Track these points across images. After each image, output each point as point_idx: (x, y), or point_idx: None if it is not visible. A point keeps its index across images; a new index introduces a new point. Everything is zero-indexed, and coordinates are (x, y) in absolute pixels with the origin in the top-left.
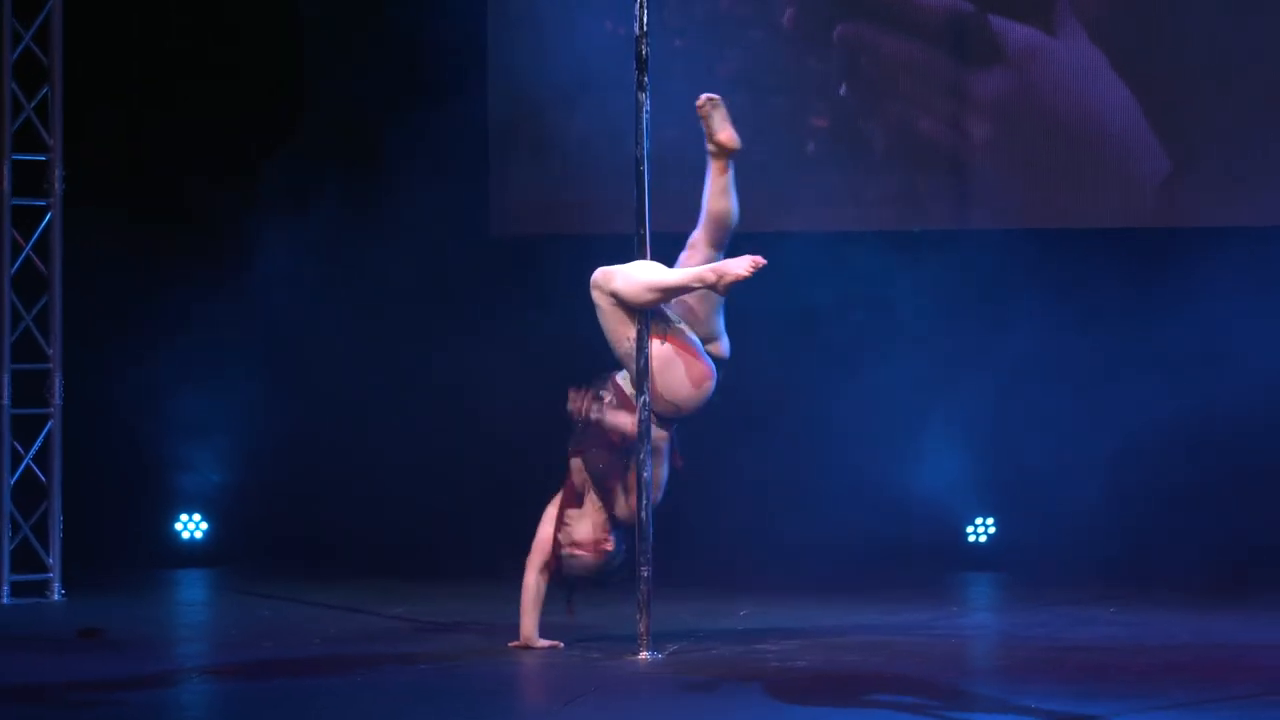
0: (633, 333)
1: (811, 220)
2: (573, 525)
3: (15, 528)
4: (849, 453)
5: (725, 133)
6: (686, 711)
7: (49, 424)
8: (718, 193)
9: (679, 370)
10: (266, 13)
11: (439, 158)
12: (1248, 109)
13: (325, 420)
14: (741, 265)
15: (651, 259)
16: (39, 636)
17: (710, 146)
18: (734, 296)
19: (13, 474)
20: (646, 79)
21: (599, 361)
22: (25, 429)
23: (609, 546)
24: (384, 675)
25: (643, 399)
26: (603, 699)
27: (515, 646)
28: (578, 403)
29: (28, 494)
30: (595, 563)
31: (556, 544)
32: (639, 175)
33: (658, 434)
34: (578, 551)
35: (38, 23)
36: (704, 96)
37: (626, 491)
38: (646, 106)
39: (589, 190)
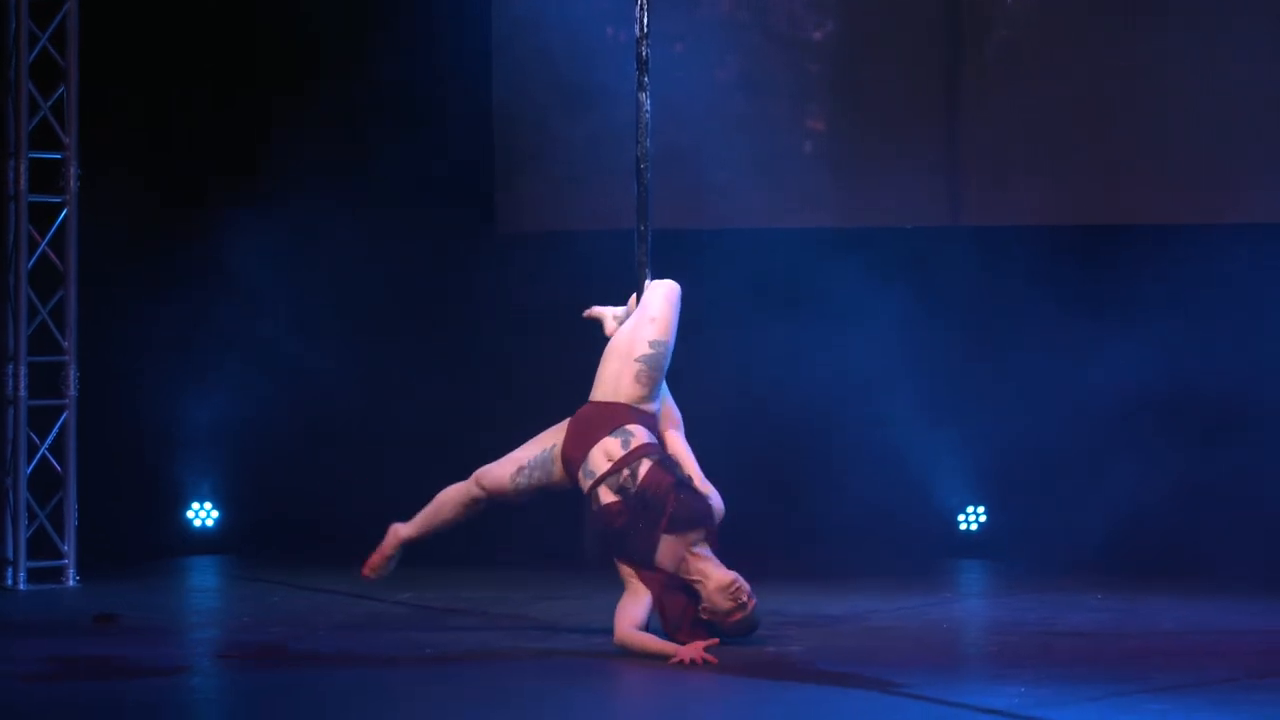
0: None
1: (809, 218)
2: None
3: (31, 516)
4: (842, 444)
5: None
6: (685, 695)
7: (64, 415)
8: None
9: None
10: (275, 9)
11: (446, 154)
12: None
13: (333, 409)
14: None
15: (651, 255)
16: (55, 622)
17: None
18: (733, 296)
19: (29, 463)
20: (647, 79)
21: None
22: (41, 420)
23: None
24: (389, 660)
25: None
26: (603, 683)
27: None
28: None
29: (44, 483)
30: (751, 619)
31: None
32: (640, 173)
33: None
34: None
35: (54, 24)
36: None
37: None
38: (647, 106)
39: (593, 188)
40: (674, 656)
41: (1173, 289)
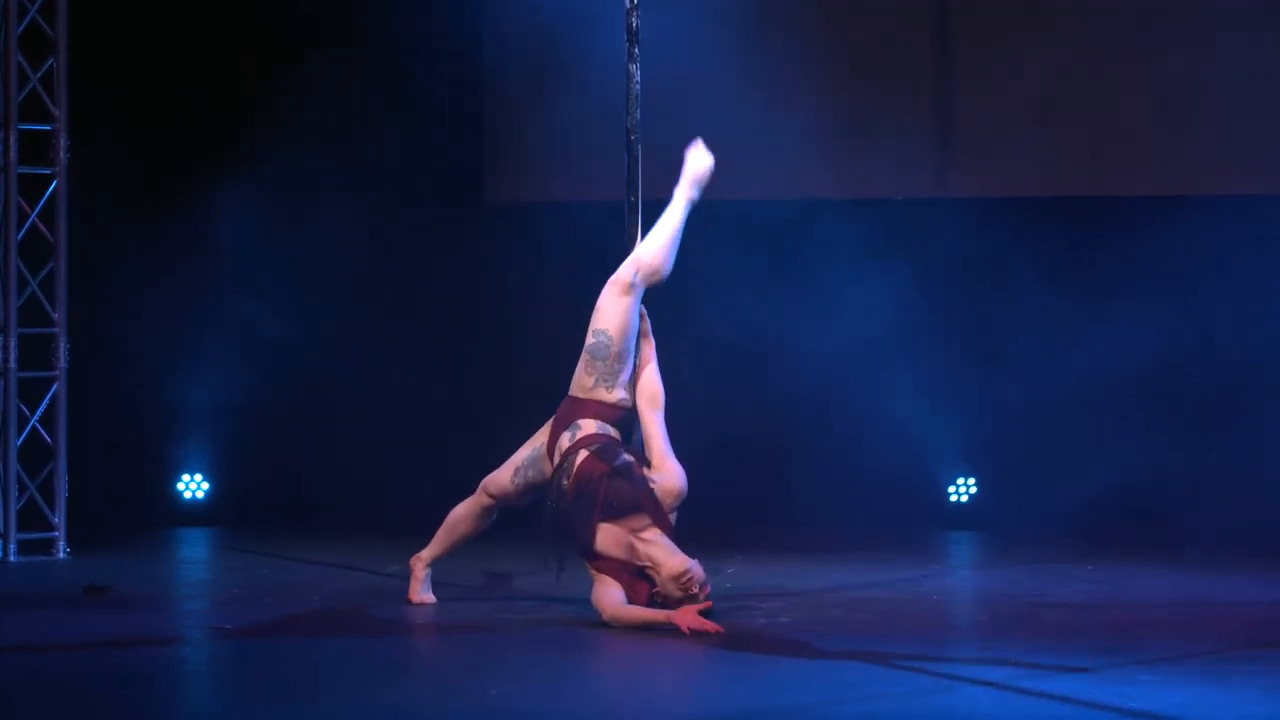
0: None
1: (798, 189)
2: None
3: (22, 488)
4: (832, 416)
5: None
6: (675, 666)
7: (54, 386)
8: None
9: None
10: None
11: (436, 128)
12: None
13: (324, 381)
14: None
15: (643, 227)
16: (46, 594)
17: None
18: (723, 268)
19: (19, 435)
20: (636, 50)
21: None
22: (32, 391)
23: (690, 578)
24: (381, 631)
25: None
26: (596, 654)
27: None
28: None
29: (34, 455)
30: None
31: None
32: (630, 144)
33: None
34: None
35: None
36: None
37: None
38: (636, 78)
39: (583, 159)
40: (679, 626)
41: (1165, 260)
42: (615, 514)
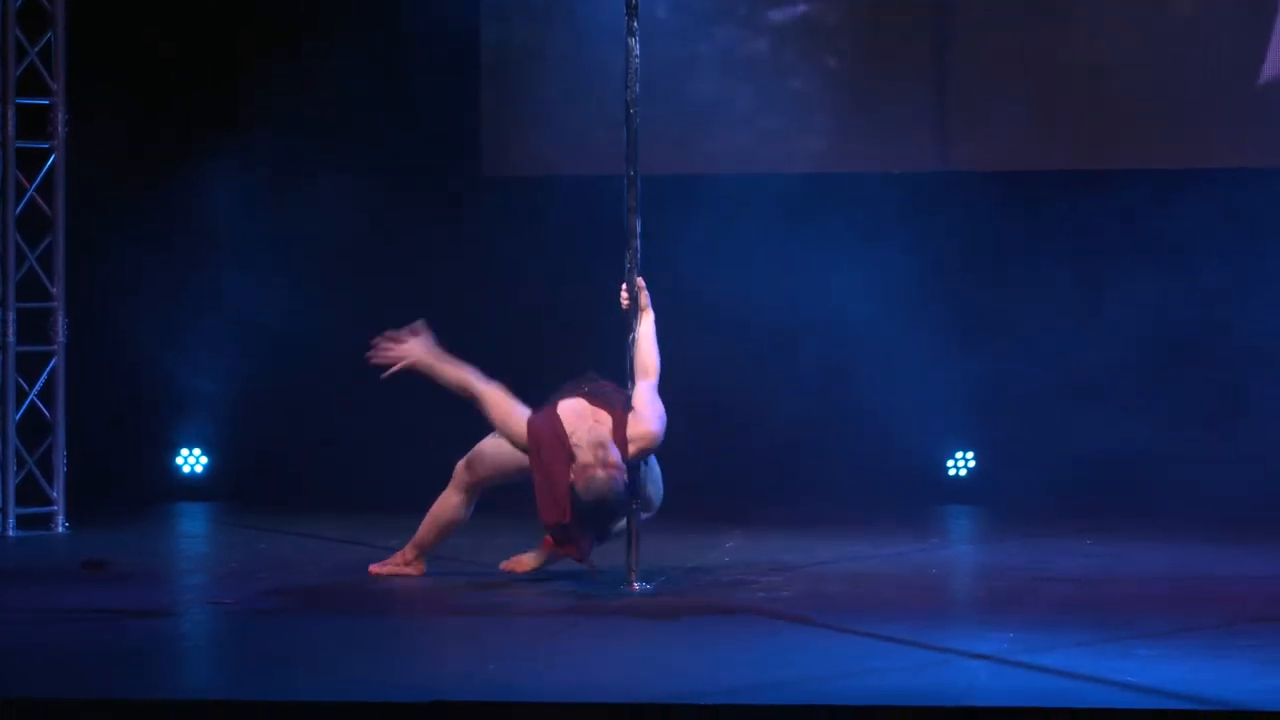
0: None
1: (798, 164)
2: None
3: (20, 462)
4: (831, 391)
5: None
6: (676, 641)
7: (53, 361)
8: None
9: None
10: None
11: (432, 98)
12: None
13: (322, 355)
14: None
15: (640, 203)
16: (45, 568)
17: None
18: (722, 243)
19: (18, 410)
20: (636, 24)
21: (586, 300)
22: (30, 366)
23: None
24: (377, 606)
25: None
26: (594, 629)
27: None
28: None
29: (32, 429)
30: (608, 484)
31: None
32: (628, 118)
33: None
34: (595, 472)
35: None
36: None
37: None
38: (636, 51)
39: (581, 133)
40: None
41: (1168, 235)
42: (595, 397)
